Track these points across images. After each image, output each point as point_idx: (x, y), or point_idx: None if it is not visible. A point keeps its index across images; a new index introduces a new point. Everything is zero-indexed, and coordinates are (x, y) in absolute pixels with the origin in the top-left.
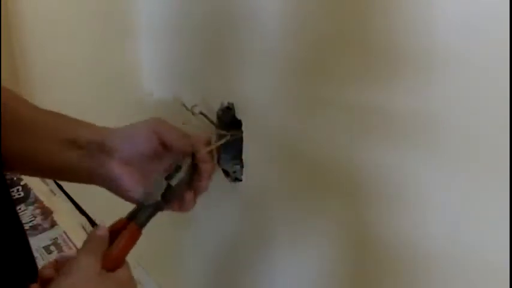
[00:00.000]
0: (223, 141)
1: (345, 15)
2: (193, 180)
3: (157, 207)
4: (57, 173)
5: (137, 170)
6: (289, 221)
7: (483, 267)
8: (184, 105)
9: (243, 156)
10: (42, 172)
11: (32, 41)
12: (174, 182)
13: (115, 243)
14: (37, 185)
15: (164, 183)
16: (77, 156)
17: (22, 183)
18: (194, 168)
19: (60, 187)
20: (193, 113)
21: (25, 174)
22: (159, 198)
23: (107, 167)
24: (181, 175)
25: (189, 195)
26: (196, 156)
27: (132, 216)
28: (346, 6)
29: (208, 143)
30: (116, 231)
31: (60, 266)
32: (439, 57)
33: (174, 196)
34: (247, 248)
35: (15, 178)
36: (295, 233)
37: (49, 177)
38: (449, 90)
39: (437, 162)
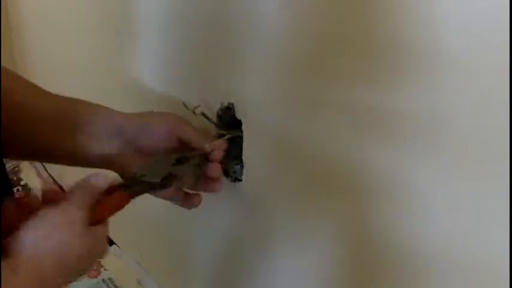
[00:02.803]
0: (230, 135)
1: (345, 15)
2: (202, 180)
3: (152, 188)
4: (69, 159)
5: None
6: (289, 221)
7: (483, 268)
8: (185, 105)
9: (243, 156)
10: (51, 158)
11: (32, 41)
12: (177, 170)
13: (104, 201)
14: (37, 185)
15: (167, 168)
16: (91, 141)
17: (22, 183)
18: (202, 167)
19: (60, 187)
20: (194, 114)
21: (30, 160)
22: (158, 180)
23: (122, 154)
24: (186, 167)
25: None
26: (210, 158)
27: (124, 186)
28: (346, 6)
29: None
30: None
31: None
32: (439, 58)
33: (172, 184)
34: (247, 248)
35: (15, 178)
36: (295, 233)
37: (58, 163)
38: (450, 90)
39: (437, 162)
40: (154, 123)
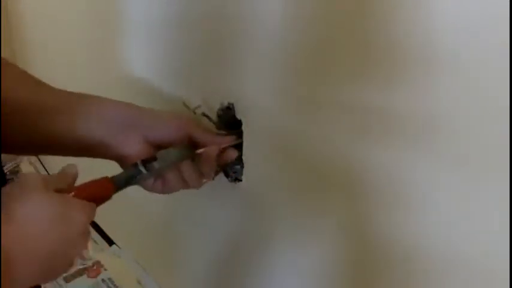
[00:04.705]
0: (236, 142)
1: (345, 15)
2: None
3: (135, 171)
4: (76, 150)
5: None
6: (289, 221)
7: (483, 268)
8: (185, 105)
9: (243, 156)
10: (61, 150)
11: (32, 41)
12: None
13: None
14: None
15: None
16: (101, 132)
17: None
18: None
19: None
20: (195, 113)
21: (34, 153)
22: (139, 161)
23: (127, 142)
24: (171, 151)
25: (172, 177)
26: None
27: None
28: (346, 6)
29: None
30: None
31: None
32: (438, 58)
33: (153, 166)
34: (247, 248)
35: (15, 178)
36: (295, 233)
37: (66, 155)
38: (449, 90)
39: (437, 162)
40: (166, 118)
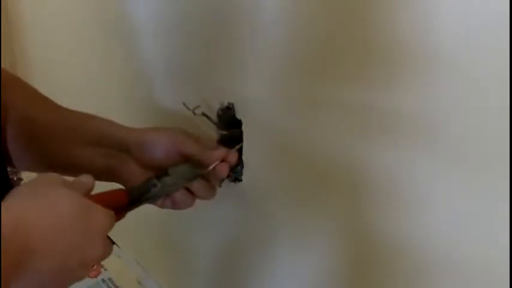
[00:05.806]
0: (237, 147)
1: (345, 15)
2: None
3: (149, 182)
4: (75, 170)
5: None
6: (289, 221)
7: (483, 268)
8: (185, 105)
9: (243, 156)
10: (58, 169)
11: (32, 41)
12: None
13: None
14: None
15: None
16: (97, 153)
17: (22, 183)
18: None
19: None
20: (194, 113)
21: (35, 171)
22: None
23: (126, 167)
24: (182, 168)
25: (181, 197)
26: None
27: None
28: (346, 6)
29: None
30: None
31: None
32: (438, 59)
33: (168, 178)
34: (247, 248)
35: (15, 178)
36: (295, 233)
37: (65, 175)
38: (449, 90)
39: (437, 161)
40: (157, 139)
